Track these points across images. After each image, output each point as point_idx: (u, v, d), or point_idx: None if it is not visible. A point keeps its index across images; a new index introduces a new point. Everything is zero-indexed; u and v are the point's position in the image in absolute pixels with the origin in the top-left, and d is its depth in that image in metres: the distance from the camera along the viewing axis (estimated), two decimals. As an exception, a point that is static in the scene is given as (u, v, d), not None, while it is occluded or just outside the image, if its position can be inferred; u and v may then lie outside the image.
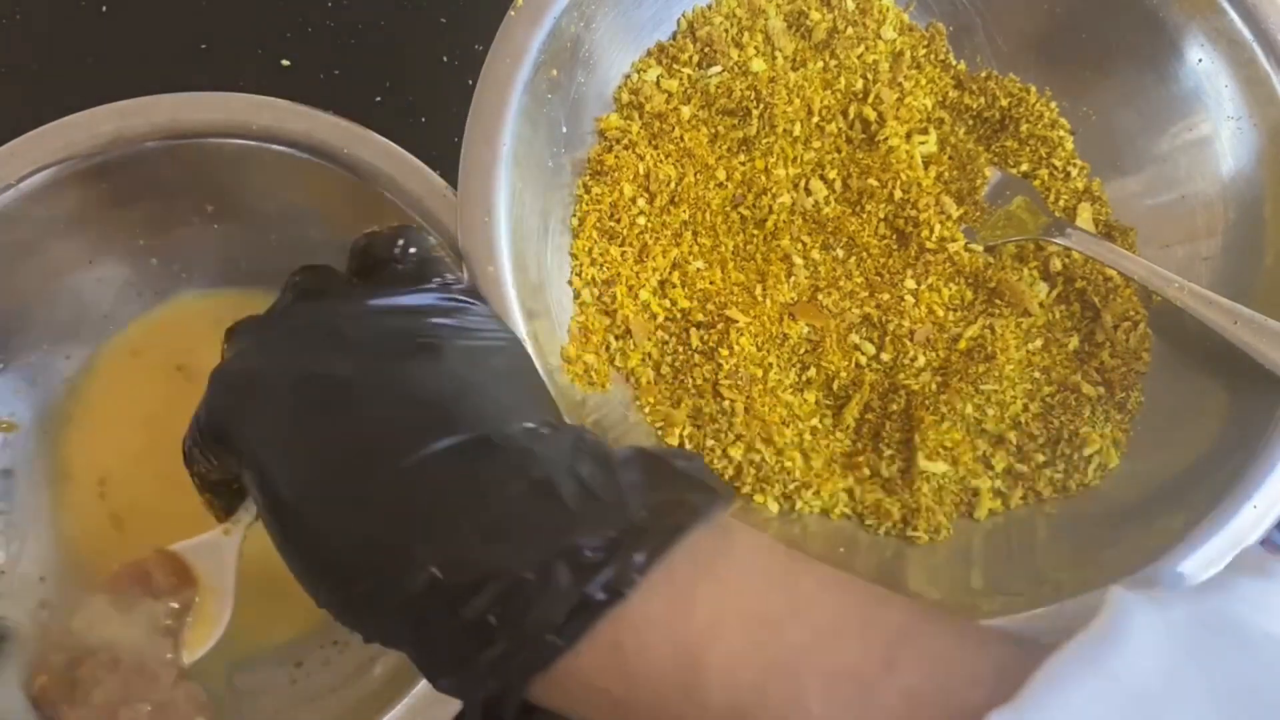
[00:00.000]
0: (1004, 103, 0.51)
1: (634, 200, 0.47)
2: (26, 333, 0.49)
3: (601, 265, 0.47)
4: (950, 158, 0.51)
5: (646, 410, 0.46)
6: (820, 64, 0.50)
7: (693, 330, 0.47)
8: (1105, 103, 0.51)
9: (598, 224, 0.47)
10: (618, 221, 0.47)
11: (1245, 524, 0.40)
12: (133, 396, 0.51)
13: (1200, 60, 0.48)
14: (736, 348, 0.46)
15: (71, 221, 0.46)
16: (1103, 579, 0.40)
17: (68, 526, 0.49)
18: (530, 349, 0.40)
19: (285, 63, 0.58)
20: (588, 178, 0.48)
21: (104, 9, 0.59)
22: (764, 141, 0.49)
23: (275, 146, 0.45)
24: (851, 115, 0.50)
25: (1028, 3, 0.51)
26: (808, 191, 0.49)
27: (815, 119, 0.50)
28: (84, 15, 0.59)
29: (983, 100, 0.52)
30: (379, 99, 0.58)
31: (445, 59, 0.59)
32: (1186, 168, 0.49)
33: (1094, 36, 0.50)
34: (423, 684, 0.41)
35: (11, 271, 0.47)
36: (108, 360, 0.51)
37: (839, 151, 0.50)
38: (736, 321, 0.46)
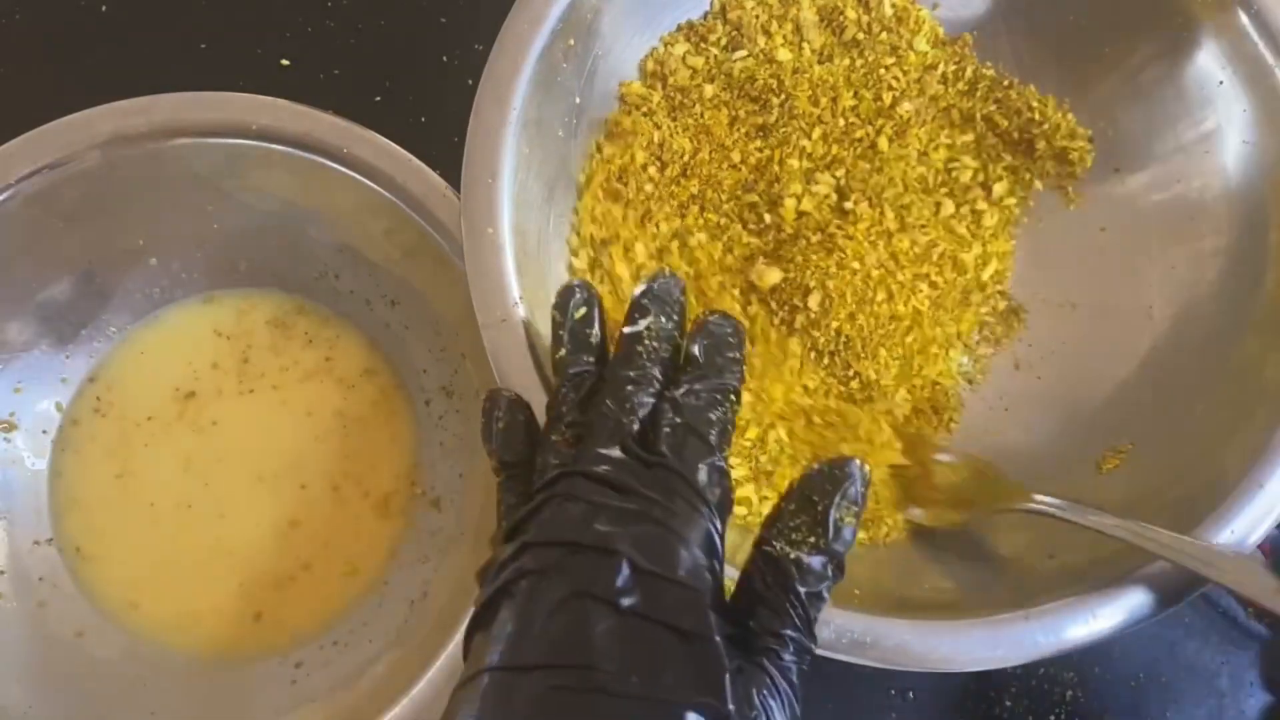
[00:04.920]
0: (1025, 116, 0.51)
1: (644, 167, 0.47)
2: (25, 332, 0.49)
3: (602, 224, 0.47)
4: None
5: None
6: (847, 61, 0.50)
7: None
8: (1118, 108, 0.51)
9: (604, 184, 0.47)
10: (625, 185, 0.47)
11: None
12: (131, 407, 0.51)
13: (1221, 82, 0.48)
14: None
15: (71, 221, 0.46)
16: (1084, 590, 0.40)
17: (68, 528, 0.49)
18: (521, 314, 0.40)
19: (285, 62, 0.58)
20: (601, 138, 0.48)
21: (104, 9, 0.59)
22: (781, 131, 0.49)
23: (275, 146, 0.45)
24: (877, 124, 0.50)
25: (1053, 10, 0.51)
26: (815, 182, 0.49)
27: (839, 121, 0.50)
28: (84, 15, 0.59)
29: (1006, 121, 0.51)
30: (379, 99, 0.58)
31: (445, 59, 0.59)
32: (1194, 167, 0.49)
33: (1115, 49, 0.51)
34: (423, 684, 0.41)
35: (11, 271, 0.47)
36: (111, 371, 0.51)
37: (853, 153, 0.50)
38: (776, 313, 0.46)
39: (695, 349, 0.34)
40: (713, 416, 0.33)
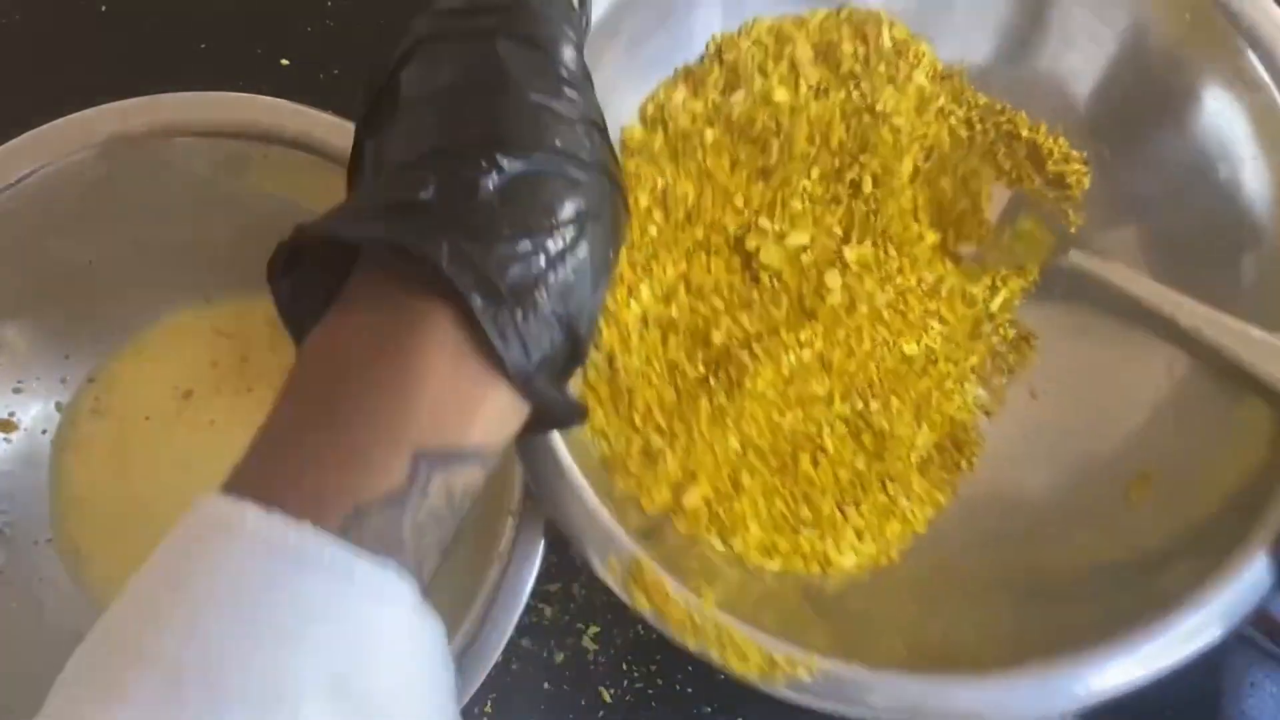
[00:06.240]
0: (1025, 134, 0.51)
1: (649, 211, 0.46)
2: (25, 332, 0.49)
3: None
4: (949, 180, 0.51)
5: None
6: (843, 94, 0.49)
7: (700, 349, 0.46)
8: (1113, 131, 0.51)
9: None
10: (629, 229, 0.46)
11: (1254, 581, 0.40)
12: (130, 406, 0.51)
13: (1219, 108, 0.48)
14: (752, 385, 0.45)
15: (71, 221, 0.46)
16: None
17: (68, 528, 0.49)
18: None
19: (285, 62, 0.58)
20: None
21: (104, 9, 0.59)
22: (781, 173, 0.48)
23: (275, 146, 0.45)
24: (869, 166, 0.49)
25: (1044, 40, 0.51)
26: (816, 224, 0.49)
27: (834, 161, 0.49)
28: (84, 15, 0.59)
29: (999, 142, 0.51)
30: (379, 99, 0.58)
31: (445, 59, 0.59)
32: (1199, 187, 0.49)
33: (1107, 77, 0.50)
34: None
35: (10, 271, 0.47)
36: (110, 372, 0.51)
37: (851, 192, 0.49)
38: (757, 356, 0.45)
39: None
40: None
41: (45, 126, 0.45)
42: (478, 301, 0.27)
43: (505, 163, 0.28)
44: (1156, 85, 0.49)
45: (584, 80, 0.33)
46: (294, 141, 0.45)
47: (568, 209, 0.29)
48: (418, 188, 0.28)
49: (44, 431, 0.50)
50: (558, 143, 0.29)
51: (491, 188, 0.28)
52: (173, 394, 0.51)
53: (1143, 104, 0.49)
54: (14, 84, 0.57)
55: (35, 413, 0.50)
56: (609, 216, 0.31)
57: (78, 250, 0.48)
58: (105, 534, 0.49)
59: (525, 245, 0.28)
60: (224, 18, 0.59)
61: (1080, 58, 0.50)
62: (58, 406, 0.50)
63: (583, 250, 0.29)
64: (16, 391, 0.49)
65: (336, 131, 0.45)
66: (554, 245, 0.29)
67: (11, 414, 0.49)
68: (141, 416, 0.51)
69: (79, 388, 0.51)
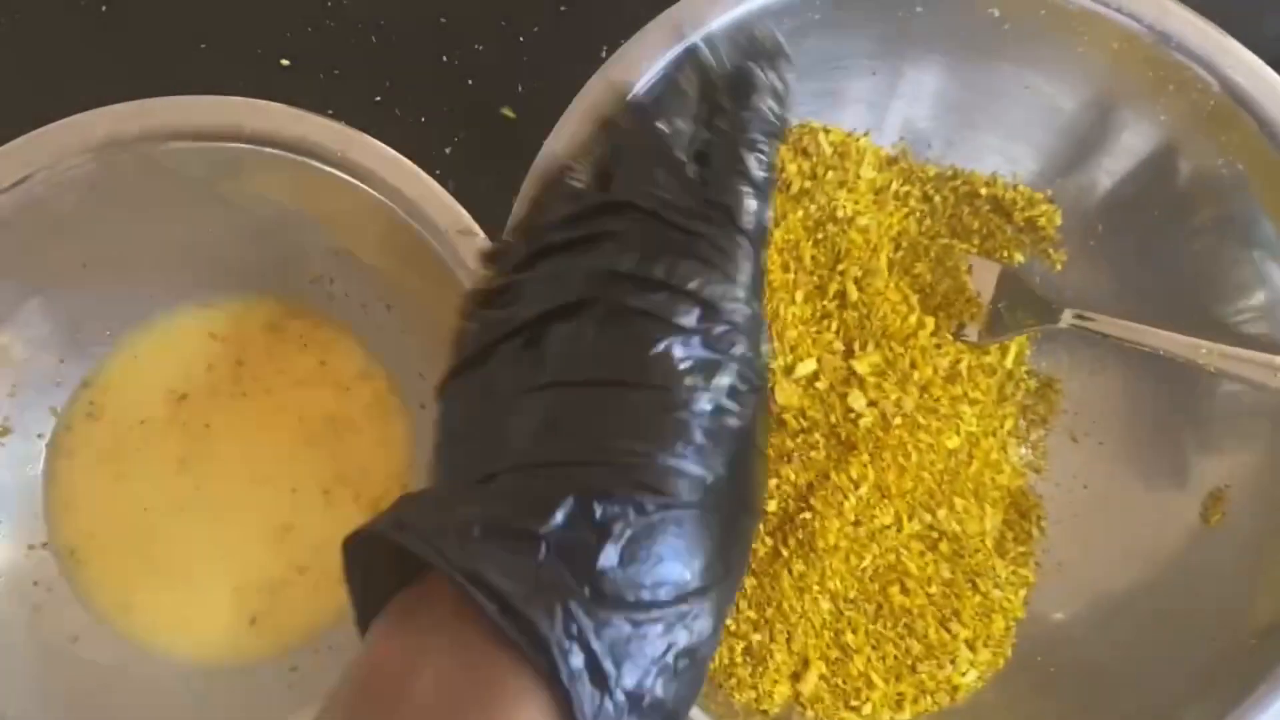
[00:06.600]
0: (984, 192, 0.51)
1: None
2: (19, 336, 0.49)
3: None
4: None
5: None
6: (801, 212, 0.49)
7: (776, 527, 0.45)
8: (1074, 169, 0.51)
9: None
10: None
11: None
12: (125, 410, 0.51)
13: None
14: (824, 542, 0.44)
15: (65, 225, 0.46)
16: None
17: (63, 531, 0.49)
18: None
19: (285, 62, 0.58)
20: None
21: (104, 9, 0.59)
22: (769, 306, 0.47)
23: (270, 150, 0.45)
24: (849, 273, 0.49)
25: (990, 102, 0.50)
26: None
27: (813, 279, 0.48)
28: (84, 15, 0.58)
29: (961, 205, 0.51)
30: (379, 99, 0.58)
31: (445, 59, 0.58)
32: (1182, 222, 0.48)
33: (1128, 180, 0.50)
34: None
35: (5, 275, 0.47)
36: (104, 375, 0.51)
37: (837, 303, 0.49)
38: (819, 511, 0.45)
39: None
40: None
41: (40, 130, 0.44)
42: (584, 707, 0.23)
43: (647, 508, 0.24)
44: (1179, 193, 0.48)
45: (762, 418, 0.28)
46: (288, 145, 0.45)
47: (701, 575, 0.24)
48: (538, 517, 0.24)
49: (39, 435, 0.50)
50: (708, 495, 0.25)
51: (622, 538, 0.23)
52: (167, 397, 0.51)
53: (1159, 202, 0.49)
54: (14, 84, 0.57)
55: (30, 416, 0.50)
56: (742, 572, 0.27)
57: (73, 254, 0.48)
58: (101, 537, 0.49)
59: (644, 625, 0.23)
60: (224, 18, 0.59)
61: (1110, 165, 0.50)
62: (52, 410, 0.50)
63: (703, 627, 0.25)
64: (11, 396, 0.49)
65: (332, 135, 0.45)
66: (675, 623, 0.24)
67: (6, 418, 0.49)
68: (136, 420, 0.50)
69: (74, 391, 0.50)
